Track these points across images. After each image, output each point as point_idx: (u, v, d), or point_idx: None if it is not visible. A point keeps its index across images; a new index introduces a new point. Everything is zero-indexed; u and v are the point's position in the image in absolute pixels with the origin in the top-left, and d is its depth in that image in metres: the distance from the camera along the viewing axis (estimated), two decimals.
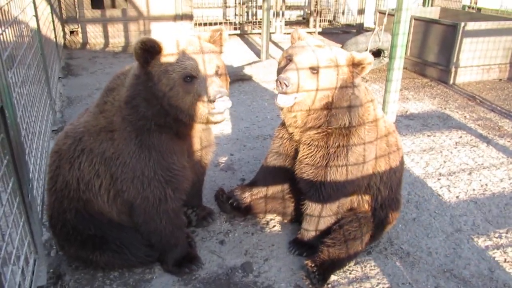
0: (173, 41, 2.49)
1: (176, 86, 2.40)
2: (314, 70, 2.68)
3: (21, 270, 2.37)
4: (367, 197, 3.11)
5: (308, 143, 2.95)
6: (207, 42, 2.60)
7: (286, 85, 2.62)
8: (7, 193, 2.33)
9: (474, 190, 4.10)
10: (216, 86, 2.37)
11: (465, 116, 5.97)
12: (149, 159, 2.61)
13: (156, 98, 2.47)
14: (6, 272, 2.11)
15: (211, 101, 2.35)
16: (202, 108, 2.44)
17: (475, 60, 7.38)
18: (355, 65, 2.74)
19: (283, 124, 3.17)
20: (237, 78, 7.23)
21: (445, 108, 6.28)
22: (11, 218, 2.37)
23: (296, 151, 3.08)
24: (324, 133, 2.87)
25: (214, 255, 3.13)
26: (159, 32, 9.96)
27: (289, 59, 2.77)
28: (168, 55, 2.42)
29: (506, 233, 3.47)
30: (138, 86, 2.50)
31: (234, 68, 7.41)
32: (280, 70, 2.83)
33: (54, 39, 7.34)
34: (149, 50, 2.38)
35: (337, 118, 2.80)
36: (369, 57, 2.73)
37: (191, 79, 2.40)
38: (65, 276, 2.89)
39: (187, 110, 2.47)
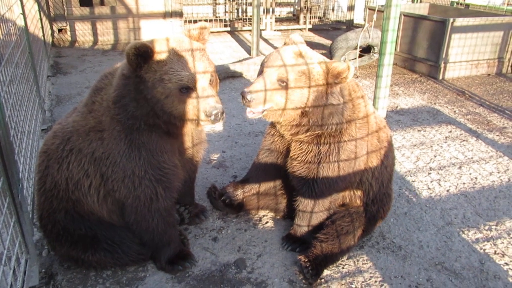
0: (165, 45, 2.45)
1: (172, 96, 2.41)
2: (283, 82, 2.66)
3: (13, 271, 2.36)
4: (359, 193, 3.13)
5: (300, 142, 2.95)
6: (196, 42, 2.58)
7: (248, 100, 2.63)
8: None
9: (464, 183, 4.15)
10: (212, 101, 2.44)
11: (454, 111, 6.03)
12: (139, 158, 2.59)
13: (146, 101, 2.45)
14: None
15: (207, 116, 2.44)
16: (196, 116, 2.50)
17: (464, 55, 7.46)
18: (335, 76, 2.67)
19: (273, 123, 3.16)
20: (227, 75, 7.22)
21: (434, 103, 6.33)
22: (1, 218, 2.35)
23: (288, 149, 3.09)
24: (314, 136, 2.88)
25: (207, 252, 3.13)
26: (149, 31, 9.91)
27: (261, 70, 2.77)
28: (162, 62, 2.39)
29: (496, 225, 3.52)
30: (127, 87, 2.47)
31: (225, 65, 7.39)
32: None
33: (42, 37, 7.27)
34: (142, 55, 2.35)
35: (320, 125, 2.79)
36: (350, 69, 2.65)
37: (187, 90, 2.42)
38: (58, 276, 2.87)
39: (180, 116, 2.51)
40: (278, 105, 2.72)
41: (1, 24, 3.40)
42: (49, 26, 9.06)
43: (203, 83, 2.45)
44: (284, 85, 2.66)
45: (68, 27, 9.45)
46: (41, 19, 7.22)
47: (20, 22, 4.75)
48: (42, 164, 2.75)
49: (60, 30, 9.55)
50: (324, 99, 2.71)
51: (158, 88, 2.39)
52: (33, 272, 2.74)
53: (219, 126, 5.34)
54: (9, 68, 3.43)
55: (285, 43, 2.97)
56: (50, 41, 9.06)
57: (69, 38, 9.53)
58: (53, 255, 3.02)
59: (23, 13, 4.83)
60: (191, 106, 2.46)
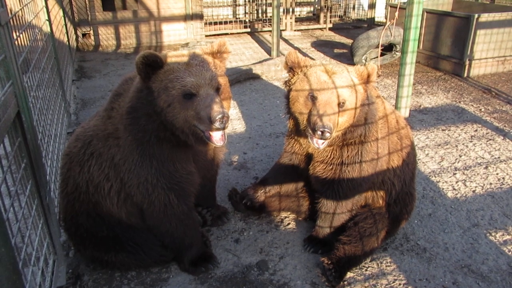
0: (175, 56, 2.46)
1: (175, 103, 2.36)
2: (342, 104, 2.65)
3: (41, 271, 2.42)
4: (381, 192, 3.10)
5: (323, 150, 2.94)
6: (210, 57, 2.56)
7: (329, 133, 2.55)
8: (25, 196, 2.37)
9: (491, 184, 4.04)
10: (217, 106, 2.30)
11: (480, 109, 5.89)
12: (151, 167, 2.61)
13: (156, 114, 2.45)
14: (26, 273, 2.15)
15: (211, 121, 2.28)
16: (199, 128, 2.40)
17: (489, 52, 7.27)
18: (367, 79, 2.74)
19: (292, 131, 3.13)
20: (248, 76, 7.24)
21: (459, 102, 6.19)
22: (30, 220, 2.41)
23: (310, 152, 3.06)
24: (342, 142, 2.88)
25: (229, 253, 3.15)
26: (170, 34, 10.02)
27: (312, 97, 2.65)
28: (169, 71, 2.38)
29: None
30: (140, 100, 2.48)
31: (245, 66, 7.41)
32: (299, 107, 2.72)
33: (67, 42, 7.45)
34: (151, 65, 2.35)
35: (353, 135, 2.81)
36: (375, 66, 2.74)
37: (190, 96, 2.35)
38: (84, 276, 2.93)
39: (181, 127, 2.43)
40: (340, 127, 2.72)
41: (29, 31, 3.49)
42: (73, 31, 9.28)
43: (208, 90, 2.36)
44: (342, 105, 2.65)
45: (91, 32, 9.66)
46: (66, 25, 7.39)
47: (46, 28, 4.87)
48: (64, 166, 2.82)
49: (84, 35, 9.76)
50: (365, 102, 2.77)
51: (162, 96, 2.37)
52: (61, 273, 2.80)
53: (240, 128, 5.36)
54: (36, 73, 3.52)
55: (293, 62, 2.85)
56: (75, 45, 9.27)
57: (93, 43, 9.73)
58: (79, 256, 3.08)
59: (49, 20, 4.95)
60: (193, 113, 2.34)
